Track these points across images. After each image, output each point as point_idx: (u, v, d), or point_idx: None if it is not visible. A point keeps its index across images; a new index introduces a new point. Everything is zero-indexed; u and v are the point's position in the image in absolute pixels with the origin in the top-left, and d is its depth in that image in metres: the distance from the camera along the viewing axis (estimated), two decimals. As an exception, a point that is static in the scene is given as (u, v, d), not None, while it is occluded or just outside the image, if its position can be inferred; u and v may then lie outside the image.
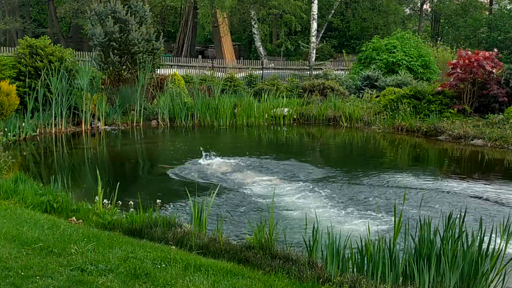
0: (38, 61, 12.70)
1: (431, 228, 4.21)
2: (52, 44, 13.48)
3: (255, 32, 30.55)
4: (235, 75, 19.42)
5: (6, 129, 10.99)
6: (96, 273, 3.91)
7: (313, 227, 4.52)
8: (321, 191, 7.45)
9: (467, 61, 13.94)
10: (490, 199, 7.32)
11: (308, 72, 21.75)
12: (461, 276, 4.10)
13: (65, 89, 12.62)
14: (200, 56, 32.52)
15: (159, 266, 4.11)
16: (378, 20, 33.97)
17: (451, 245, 4.14)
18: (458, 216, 4.37)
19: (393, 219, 4.71)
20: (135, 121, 14.13)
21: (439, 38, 36.74)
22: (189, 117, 14.67)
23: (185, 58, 26.59)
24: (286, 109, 15.44)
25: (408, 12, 41.14)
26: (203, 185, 7.67)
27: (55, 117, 12.51)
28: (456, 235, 4.18)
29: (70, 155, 9.91)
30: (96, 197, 5.77)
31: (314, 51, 27.34)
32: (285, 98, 16.14)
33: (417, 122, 13.80)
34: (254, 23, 30.35)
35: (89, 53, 19.52)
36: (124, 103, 14.22)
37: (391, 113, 14.63)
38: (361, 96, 17.21)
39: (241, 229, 5.76)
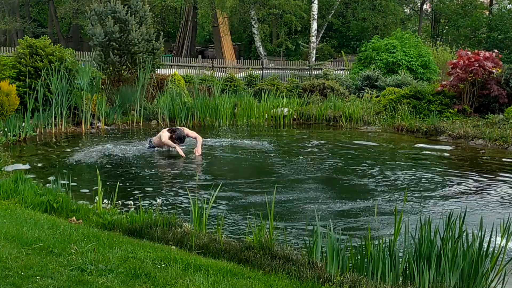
0: (38, 61, 12.69)
1: (431, 228, 4.22)
2: (52, 44, 13.48)
3: (255, 32, 30.57)
4: (235, 75, 19.42)
5: (6, 129, 10.99)
6: (96, 273, 3.92)
7: (313, 228, 4.52)
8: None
9: (467, 61, 13.95)
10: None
11: (308, 72, 21.75)
12: (461, 276, 4.10)
13: (65, 89, 12.62)
14: (200, 56, 32.56)
15: (159, 266, 4.11)
16: (377, 20, 34.00)
17: (451, 245, 4.15)
18: (458, 216, 4.37)
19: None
20: (135, 121, 14.13)
21: (439, 38, 36.75)
22: (189, 117, 14.66)
23: (185, 58, 26.63)
24: (286, 109, 15.43)
25: (408, 12, 41.14)
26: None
27: (55, 117, 12.51)
28: (456, 235, 4.18)
29: (70, 155, 9.90)
30: (96, 197, 5.77)
31: (314, 51, 27.36)
32: (285, 98, 16.13)
33: (417, 122, 13.79)
34: (254, 23, 30.37)
35: (89, 53, 19.54)
36: (124, 103, 14.21)
37: (391, 113, 14.64)
38: (361, 96, 17.21)
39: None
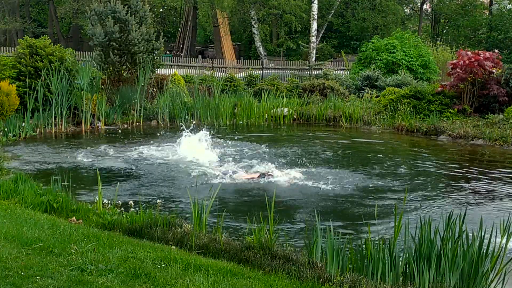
0: (38, 61, 12.69)
1: (431, 228, 4.22)
2: (52, 44, 13.48)
3: (255, 32, 30.55)
4: (235, 75, 19.41)
5: (6, 129, 10.99)
6: (96, 273, 3.92)
7: (313, 228, 4.52)
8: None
9: (467, 61, 13.94)
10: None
11: (308, 72, 21.74)
12: (461, 276, 4.10)
13: (65, 89, 12.62)
14: (200, 56, 32.50)
15: (159, 266, 4.11)
16: (377, 20, 33.97)
17: (451, 245, 4.15)
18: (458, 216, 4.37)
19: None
20: (135, 121, 14.14)
21: (439, 38, 36.73)
22: (189, 117, 14.66)
23: (185, 58, 26.61)
24: (286, 109, 15.43)
25: (408, 12, 41.10)
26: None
27: (55, 117, 12.51)
28: (456, 235, 4.18)
29: (71, 154, 9.90)
30: (96, 197, 5.77)
31: (314, 51, 27.35)
32: (285, 98, 16.13)
33: (417, 122, 13.79)
34: (254, 23, 30.35)
35: (89, 53, 19.53)
36: (124, 103, 14.21)
37: (391, 113, 14.63)
38: (361, 96, 17.20)
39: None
